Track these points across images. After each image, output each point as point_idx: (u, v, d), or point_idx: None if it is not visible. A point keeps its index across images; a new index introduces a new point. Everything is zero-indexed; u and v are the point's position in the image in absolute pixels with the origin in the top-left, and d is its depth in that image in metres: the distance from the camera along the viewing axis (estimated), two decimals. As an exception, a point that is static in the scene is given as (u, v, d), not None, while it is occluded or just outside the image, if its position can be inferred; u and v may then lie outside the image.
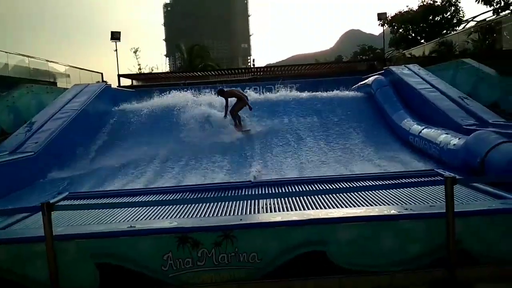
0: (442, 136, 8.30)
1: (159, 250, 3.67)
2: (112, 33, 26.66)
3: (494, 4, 13.09)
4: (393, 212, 3.82)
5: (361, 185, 6.34)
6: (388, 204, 4.92)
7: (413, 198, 5.27)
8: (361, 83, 15.33)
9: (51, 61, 18.44)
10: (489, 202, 4.56)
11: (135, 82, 27.44)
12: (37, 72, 16.99)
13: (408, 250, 3.70)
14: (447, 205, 3.50)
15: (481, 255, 3.73)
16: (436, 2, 27.09)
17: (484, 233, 3.72)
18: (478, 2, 13.81)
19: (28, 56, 16.68)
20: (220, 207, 5.18)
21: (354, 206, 5.07)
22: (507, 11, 13.11)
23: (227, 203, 5.33)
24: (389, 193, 5.43)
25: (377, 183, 6.07)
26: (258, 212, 4.99)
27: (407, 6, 29.27)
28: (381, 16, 29.83)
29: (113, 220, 5.05)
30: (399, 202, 5.10)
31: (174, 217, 4.83)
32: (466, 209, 3.78)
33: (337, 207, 5.05)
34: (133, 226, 3.80)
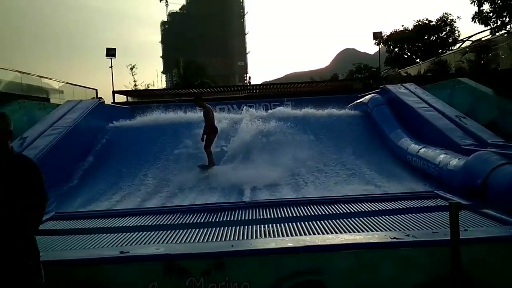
0: (441, 156, 8.12)
1: (144, 279, 3.42)
2: (108, 49, 26.62)
3: (491, 24, 13.11)
4: (395, 239, 3.58)
5: (359, 205, 6.19)
6: (388, 229, 4.70)
7: (413, 222, 5.06)
8: (358, 101, 15.20)
9: (44, 77, 18.24)
10: (496, 228, 4.33)
11: (130, 99, 27.29)
12: (30, 88, 16.74)
13: (411, 279, 3.46)
14: (452, 233, 3.27)
15: (488, 284, 3.50)
16: (432, 22, 27.31)
17: (492, 262, 3.50)
18: (475, 22, 13.85)
19: (21, 72, 16.45)
20: (210, 229, 4.95)
21: (352, 230, 4.85)
22: (504, 31, 13.11)
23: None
24: (389, 216, 5.21)
25: (377, 205, 5.88)
26: (251, 235, 4.75)
27: (402, 25, 29.56)
28: (377, 35, 30.07)
29: (99, 243, 4.81)
30: (399, 226, 4.89)
31: (162, 241, 4.57)
32: (472, 236, 3.55)
33: (335, 230, 4.82)
34: (116, 252, 3.56)
